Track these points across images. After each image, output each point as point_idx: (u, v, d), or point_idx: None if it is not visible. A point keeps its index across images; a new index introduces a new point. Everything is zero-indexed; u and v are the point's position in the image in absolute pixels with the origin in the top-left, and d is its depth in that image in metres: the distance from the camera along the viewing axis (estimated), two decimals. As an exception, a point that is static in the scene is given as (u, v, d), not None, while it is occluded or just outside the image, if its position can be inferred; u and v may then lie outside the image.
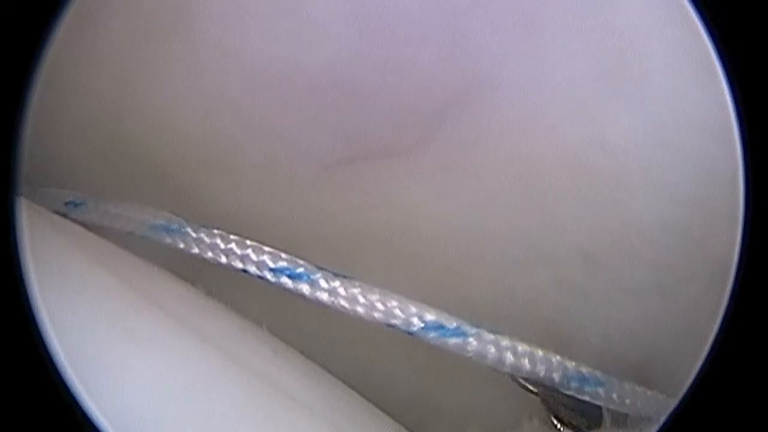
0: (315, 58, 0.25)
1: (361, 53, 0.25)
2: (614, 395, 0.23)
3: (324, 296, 0.21)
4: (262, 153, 0.26)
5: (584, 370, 0.22)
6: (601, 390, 0.23)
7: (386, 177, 0.26)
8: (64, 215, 0.24)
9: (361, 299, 0.21)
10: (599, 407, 0.26)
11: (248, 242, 0.22)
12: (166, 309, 0.20)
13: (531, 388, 0.25)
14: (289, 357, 0.22)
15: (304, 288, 0.21)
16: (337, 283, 0.21)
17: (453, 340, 0.21)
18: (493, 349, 0.21)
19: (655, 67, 0.24)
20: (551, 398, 0.26)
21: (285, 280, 0.21)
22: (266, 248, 0.21)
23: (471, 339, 0.21)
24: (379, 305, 0.21)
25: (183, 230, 0.22)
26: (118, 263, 0.22)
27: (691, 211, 0.24)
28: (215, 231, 0.22)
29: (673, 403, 0.23)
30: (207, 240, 0.22)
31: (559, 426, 0.26)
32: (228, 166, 0.26)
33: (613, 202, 0.25)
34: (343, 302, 0.21)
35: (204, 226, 0.22)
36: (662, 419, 0.20)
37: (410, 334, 0.21)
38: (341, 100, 0.26)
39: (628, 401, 0.23)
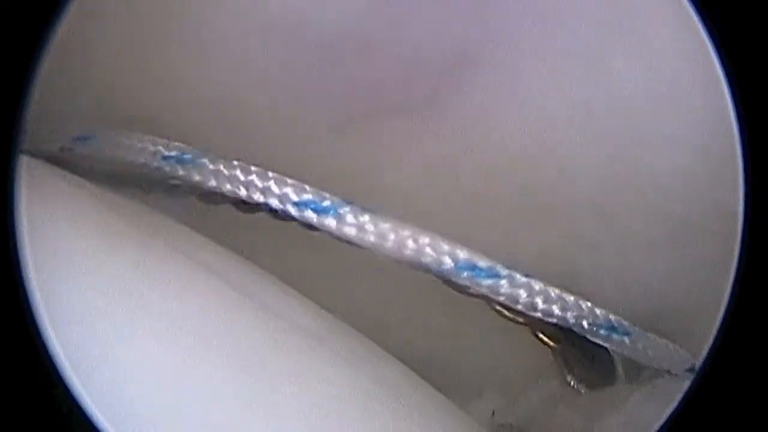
0: (325, 13, 0.24)
1: (372, 7, 0.24)
2: (639, 345, 0.22)
3: (351, 231, 0.19)
4: (274, 112, 0.25)
5: (613, 317, 0.21)
6: (626, 339, 0.21)
7: (398, 133, 0.25)
8: (71, 151, 0.22)
9: (392, 235, 0.19)
10: (612, 365, 0.25)
11: (270, 174, 0.19)
12: (177, 248, 0.18)
13: (549, 342, 0.23)
14: (301, 299, 0.20)
15: (330, 223, 0.19)
16: (366, 218, 0.19)
17: (486, 282, 0.19)
18: (524, 293, 0.20)
19: (661, 24, 0.23)
20: (567, 354, 0.24)
21: (309, 215, 0.19)
22: (289, 180, 0.19)
23: (503, 281, 0.19)
24: (410, 242, 0.19)
25: (199, 161, 0.20)
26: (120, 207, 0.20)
27: (701, 163, 0.23)
28: (235, 162, 0.20)
29: (692, 359, 0.22)
30: (225, 171, 0.20)
31: (572, 383, 0.25)
32: (239, 126, 0.25)
33: (622, 153, 0.24)
34: (371, 238, 0.19)
35: (221, 157, 0.20)
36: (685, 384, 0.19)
37: (442, 273, 0.19)
38: (352, 56, 0.25)
39: (650, 353, 0.22)
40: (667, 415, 0.18)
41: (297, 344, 0.18)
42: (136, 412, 0.16)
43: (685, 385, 0.22)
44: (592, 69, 0.24)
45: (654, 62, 0.23)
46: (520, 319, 0.22)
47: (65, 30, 0.22)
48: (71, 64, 0.24)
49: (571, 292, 0.20)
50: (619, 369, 0.25)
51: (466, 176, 0.25)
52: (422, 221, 0.24)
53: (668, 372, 0.23)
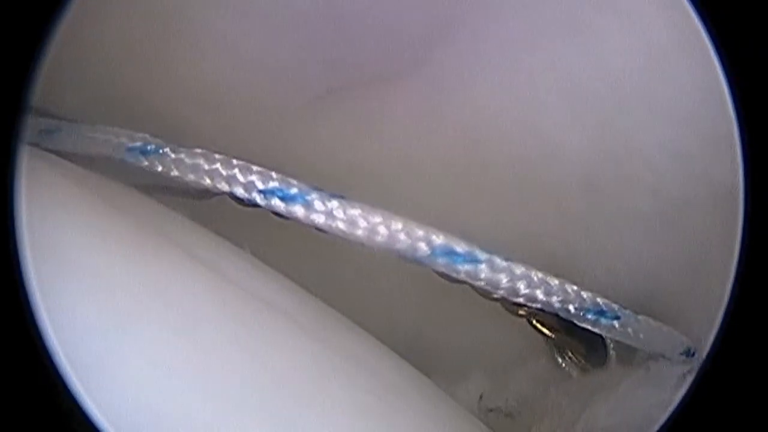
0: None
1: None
2: (629, 329, 0.20)
3: (320, 219, 0.18)
4: (253, 87, 0.24)
5: (601, 301, 0.19)
6: (616, 323, 0.20)
7: (378, 106, 0.24)
8: (37, 146, 0.21)
9: (362, 222, 0.18)
10: (604, 347, 0.23)
11: (235, 161, 0.18)
12: (177, 243, 0.18)
13: (546, 331, 0.22)
14: (285, 284, 0.20)
15: (298, 211, 0.18)
16: (334, 204, 0.18)
17: (464, 267, 0.18)
18: (505, 278, 0.18)
19: None
20: (558, 337, 0.23)
21: (277, 203, 0.18)
22: (255, 168, 0.18)
23: (483, 266, 0.18)
24: (382, 229, 0.18)
25: (161, 151, 0.19)
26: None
27: (692, 134, 0.22)
28: (197, 150, 0.18)
29: (687, 342, 0.21)
30: (188, 161, 0.18)
31: (564, 365, 0.24)
32: (218, 103, 0.24)
33: (612, 127, 0.23)
34: (341, 225, 0.18)
35: (183, 146, 0.19)
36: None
37: (417, 260, 0.18)
38: (329, 27, 0.23)
39: (642, 336, 0.21)
40: (669, 414, 0.17)
41: (269, 321, 0.17)
42: (136, 411, 0.15)
43: (681, 370, 0.20)
44: (578, 38, 0.22)
45: (642, 31, 0.22)
46: (522, 312, 0.21)
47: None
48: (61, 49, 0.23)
49: (556, 276, 0.19)
50: (612, 352, 0.23)
51: (448, 152, 0.24)
52: (404, 195, 0.23)
53: (662, 356, 0.21)
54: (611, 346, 0.23)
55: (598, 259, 0.24)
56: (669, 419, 0.17)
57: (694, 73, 0.21)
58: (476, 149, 0.23)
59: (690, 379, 0.21)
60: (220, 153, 0.18)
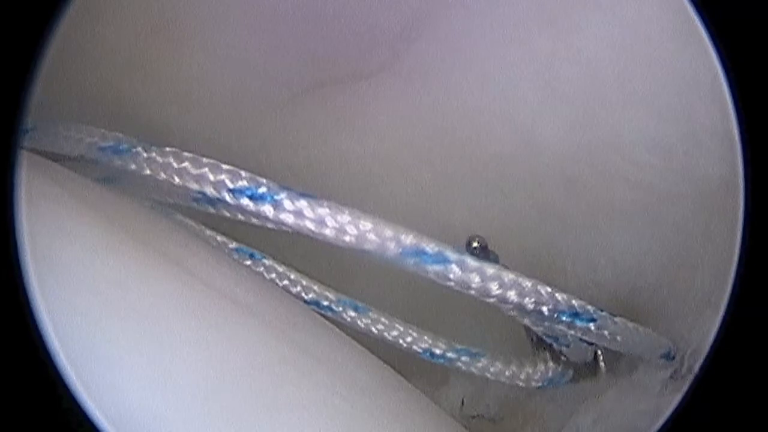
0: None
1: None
2: (606, 332, 0.20)
3: (289, 218, 0.17)
4: (232, 85, 0.24)
5: (576, 303, 0.19)
6: (592, 325, 0.19)
7: (355, 101, 0.23)
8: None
9: (330, 221, 0.17)
10: (595, 359, 0.23)
11: (204, 160, 0.18)
12: (167, 253, 0.17)
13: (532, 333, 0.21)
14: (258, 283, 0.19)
15: (267, 210, 0.17)
16: (303, 204, 0.17)
17: (433, 268, 0.17)
18: (477, 278, 0.18)
19: None
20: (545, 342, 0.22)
21: (246, 202, 0.17)
22: (224, 166, 0.18)
23: (453, 266, 0.18)
24: (351, 228, 0.17)
25: (133, 150, 0.19)
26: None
27: (672, 126, 0.21)
28: (167, 149, 0.18)
29: (669, 344, 0.20)
30: (159, 159, 0.18)
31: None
32: (198, 100, 0.24)
33: (590, 118, 0.22)
34: (309, 225, 0.17)
35: (155, 145, 0.18)
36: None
37: (386, 260, 0.17)
38: (307, 25, 0.23)
39: (619, 338, 0.20)
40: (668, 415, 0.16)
41: (234, 319, 0.17)
42: (136, 412, 0.15)
43: (664, 376, 0.20)
44: (555, 30, 0.22)
45: (622, 22, 0.21)
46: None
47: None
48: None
49: (528, 277, 0.18)
50: (601, 363, 0.23)
51: (426, 148, 0.23)
52: (382, 190, 0.23)
53: (641, 359, 0.21)
54: (601, 357, 0.23)
55: (578, 254, 0.23)
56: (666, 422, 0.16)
57: (677, 65, 0.21)
58: (454, 145, 0.23)
59: (674, 386, 0.20)
60: (190, 152, 0.18)
